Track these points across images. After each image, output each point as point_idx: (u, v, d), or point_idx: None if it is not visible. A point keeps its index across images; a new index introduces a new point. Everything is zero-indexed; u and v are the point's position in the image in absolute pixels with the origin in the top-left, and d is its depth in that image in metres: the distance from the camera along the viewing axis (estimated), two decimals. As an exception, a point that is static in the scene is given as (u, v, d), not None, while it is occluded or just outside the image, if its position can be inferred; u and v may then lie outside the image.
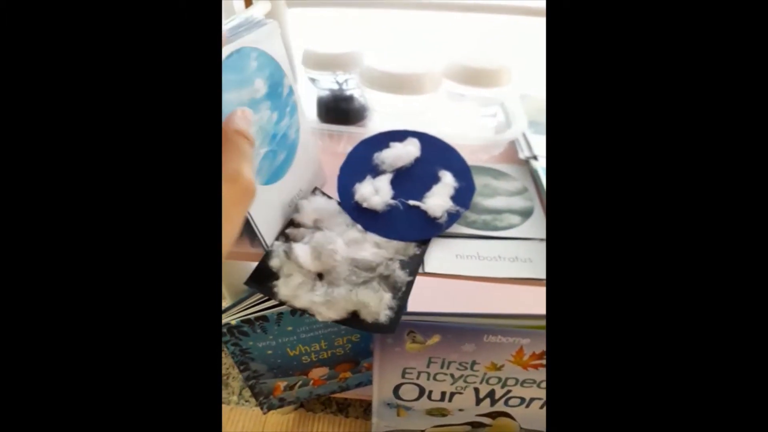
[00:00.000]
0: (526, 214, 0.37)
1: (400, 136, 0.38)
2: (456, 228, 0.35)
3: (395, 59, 0.42)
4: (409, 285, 0.31)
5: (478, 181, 0.40)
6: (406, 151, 0.37)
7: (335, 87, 0.49)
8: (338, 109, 0.49)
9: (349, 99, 0.49)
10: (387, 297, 0.30)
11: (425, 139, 0.39)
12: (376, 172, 0.37)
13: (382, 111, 0.47)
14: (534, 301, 0.38)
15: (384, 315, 0.30)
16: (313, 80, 0.48)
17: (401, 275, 0.31)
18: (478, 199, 0.38)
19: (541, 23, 0.52)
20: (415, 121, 0.45)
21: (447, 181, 0.36)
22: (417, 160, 0.37)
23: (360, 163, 0.37)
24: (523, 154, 0.41)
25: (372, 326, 0.30)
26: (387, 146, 0.37)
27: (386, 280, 0.31)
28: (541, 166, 0.39)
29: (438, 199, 0.35)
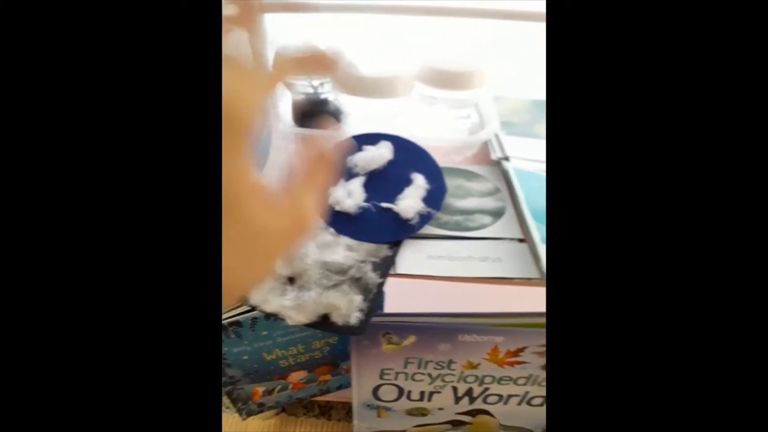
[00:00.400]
0: (497, 214, 0.37)
1: (372, 139, 0.39)
2: (428, 229, 0.36)
3: (368, 63, 0.43)
4: (380, 286, 0.31)
5: (451, 182, 0.41)
6: (379, 154, 0.38)
7: (310, 91, 0.49)
8: (313, 113, 0.49)
9: (324, 103, 0.49)
10: (357, 299, 0.30)
11: (398, 141, 0.39)
12: (348, 175, 0.37)
13: (357, 114, 0.47)
14: (506, 300, 0.39)
15: (354, 317, 0.30)
16: (288, 84, 0.48)
17: (372, 277, 0.31)
18: (451, 200, 0.39)
19: (515, 25, 0.53)
20: (390, 124, 0.45)
21: (419, 183, 0.36)
22: (389, 163, 0.38)
23: None
24: (495, 155, 0.42)
25: (342, 329, 0.30)
26: (360, 149, 0.38)
27: (357, 282, 0.32)
28: (512, 166, 0.40)
29: (410, 201, 0.35)
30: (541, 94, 0.54)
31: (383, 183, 0.37)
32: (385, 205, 0.35)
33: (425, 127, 0.47)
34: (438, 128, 0.47)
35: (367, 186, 0.36)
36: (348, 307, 0.30)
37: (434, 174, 0.38)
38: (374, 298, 0.31)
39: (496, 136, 0.44)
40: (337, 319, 0.30)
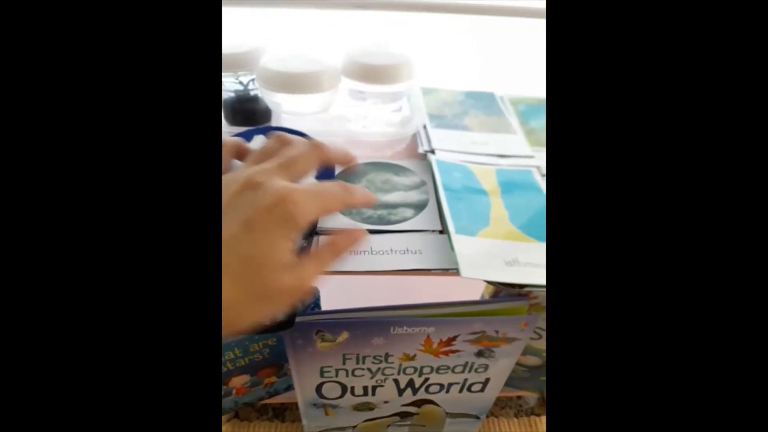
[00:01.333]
0: (420, 207, 0.38)
1: (246, 136, 0.38)
2: (351, 224, 0.35)
3: (291, 58, 0.42)
4: None
5: (379, 177, 0.41)
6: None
7: (240, 88, 0.48)
8: (244, 111, 0.48)
9: (254, 100, 0.48)
10: None
11: (271, 131, 0.38)
12: None
13: (288, 110, 0.46)
14: (433, 291, 0.39)
15: (281, 313, 0.30)
16: (216, 82, 0.47)
17: (291, 274, 0.31)
18: (377, 195, 0.39)
19: (451, 17, 0.53)
20: (320, 120, 0.45)
21: None
22: None
23: None
24: (422, 148, 0.43)
25: (271, 327, 0.30)
26: None
27: (276, 281, 0.31)
28: (435, 158, 0.40)
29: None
30: (473, 85, 0.55)
31: None
32: None
33: (356, 122, 0.47)
34: (369, 122, 0.47)
35: None
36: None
37: None
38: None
39: (424, 128, 0.44)
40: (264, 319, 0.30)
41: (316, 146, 0.27)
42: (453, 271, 0.32)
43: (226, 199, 0.21)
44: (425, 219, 0.36)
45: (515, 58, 0.55)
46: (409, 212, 0.37)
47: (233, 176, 0.23)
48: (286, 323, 0.30)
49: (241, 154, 0.28)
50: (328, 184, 0.25)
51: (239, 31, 0.49)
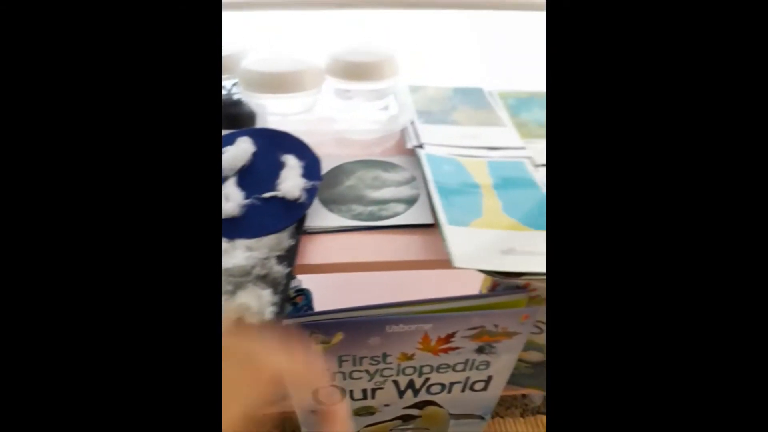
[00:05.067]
0: (410, 201, 0.37)
1: (229, 139, 0.38)
2: (341, 221, 0.35)
3: (273, 59, 0.42)
4: (289, 276, 0.30)
5: (368, 174, 0.40)
6: (241, 150, 0.37)
7: (223, 93, 0.47)
8: (228, 116, 0.47)
9: (237, 104, 0.47)
10: (266, 294, 0.29)
11: (255, 133, 0.39)
12: None
13: (272, 113, 0.46)
14: (429, 287, 0.39)
15: (269, 312, 0.29)
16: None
17: (279, 270, 0.30)
18: (367, 192, 0.38)
19: (436, 13, 0.53)
20: (306, 120, 0.45)
21: (291, 163, 0.36)
22: (255, 155, 0.37)
23: None
24: (411, 143, 0.42)
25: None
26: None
27: (263, 279, 0.30)
28: (425, 152, 0.40)
29: (291, 182, 0.35)
30: (462, 81, 0.54)
31: (257, 176, 0.36)
32: (267, 194, 0.35)
33: (343, 121, 0.46)
34: (356, 121, 0.47)
35: (242, 184, 0.36)
36: (259, 303, 0.29)
37: (302, 149, 0.38)
38: (285, 290, 0.30)
39: (412, 124, 0.44)
40: (251, 319, 0.29)
41: None
42: (445, 262, 0.31)
43: None
44: (416, 213, 0.36)
45: (503, 53, 0.55)
46: (400, 207, 0.36)
47: None
48: (276, 323, 0.29)
49: None
50: None
51: (231, 35, 0.49)
